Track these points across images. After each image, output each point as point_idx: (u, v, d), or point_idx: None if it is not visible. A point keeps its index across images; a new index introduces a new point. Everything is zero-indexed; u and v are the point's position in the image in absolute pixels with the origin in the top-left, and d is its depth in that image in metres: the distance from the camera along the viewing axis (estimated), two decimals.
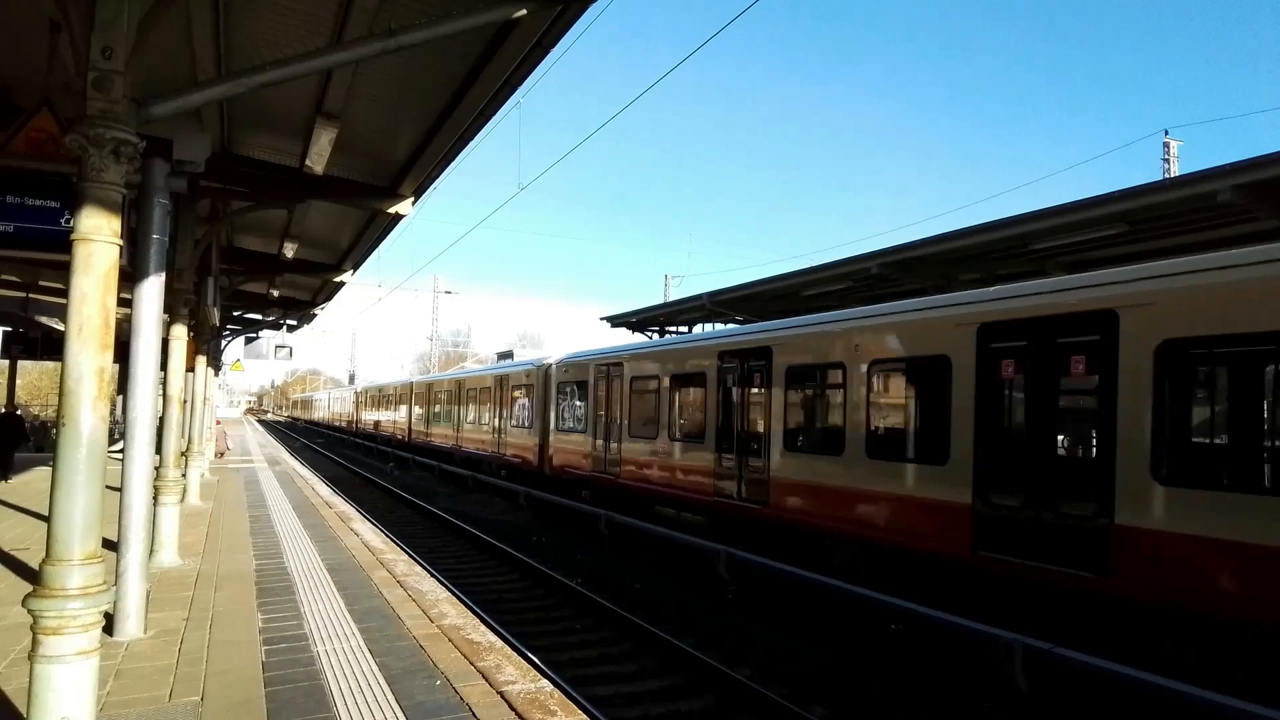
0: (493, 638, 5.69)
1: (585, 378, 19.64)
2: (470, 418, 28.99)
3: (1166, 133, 29.37)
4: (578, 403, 20.27)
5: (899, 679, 8.46)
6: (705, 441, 14.38)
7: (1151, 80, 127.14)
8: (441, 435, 32.56)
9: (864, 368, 11.25)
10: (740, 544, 12.22)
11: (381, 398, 45.86)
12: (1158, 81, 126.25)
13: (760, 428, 13.10)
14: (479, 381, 28.74)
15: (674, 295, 42.15)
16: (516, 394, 24.50)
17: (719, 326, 24.35)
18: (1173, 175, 26.79)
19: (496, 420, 25.87)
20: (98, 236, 3.80)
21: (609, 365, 18.66)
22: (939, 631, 9.18)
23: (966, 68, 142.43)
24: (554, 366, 21.93)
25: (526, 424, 23.32)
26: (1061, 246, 14.38)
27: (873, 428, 11.13)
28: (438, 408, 33.44)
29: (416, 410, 36.85)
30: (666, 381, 16.17)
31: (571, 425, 20.54)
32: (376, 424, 46.25)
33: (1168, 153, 29.02)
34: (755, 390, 13.38)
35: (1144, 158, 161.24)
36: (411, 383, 39.52)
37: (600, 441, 18.46)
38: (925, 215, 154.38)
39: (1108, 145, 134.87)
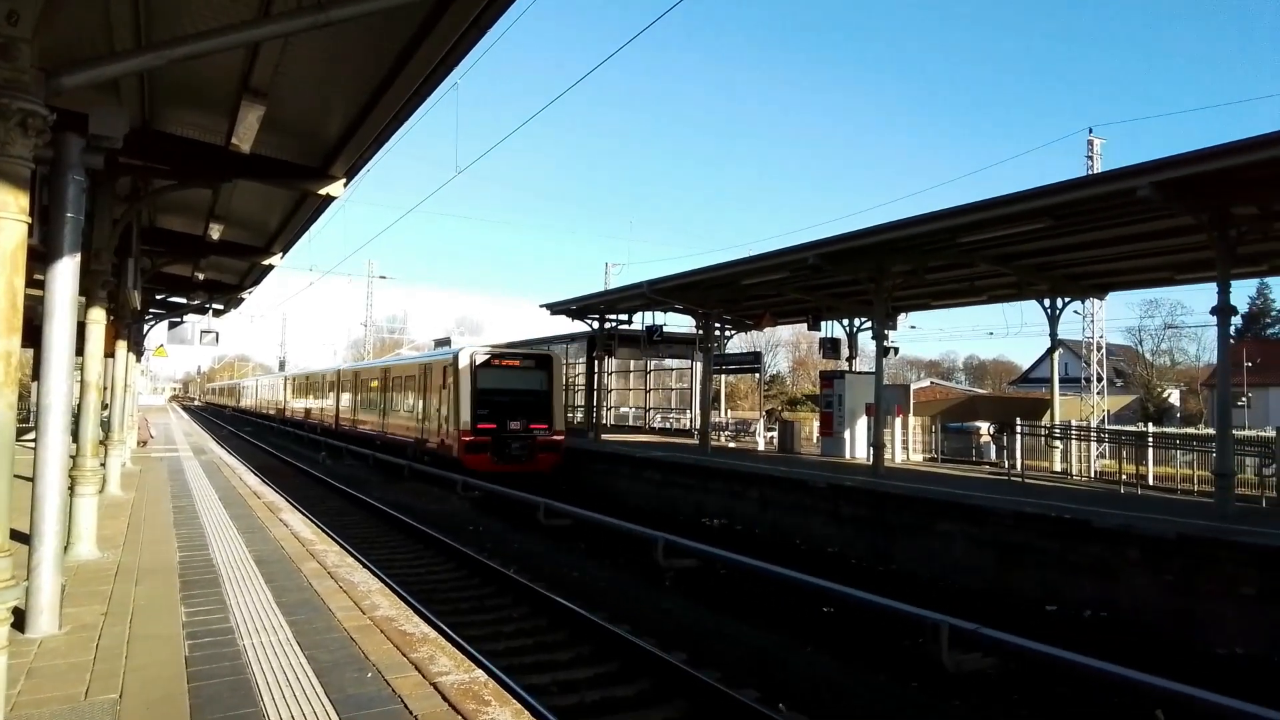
0: (426, 629, 5.60)
1: (330, 381, 41.07)
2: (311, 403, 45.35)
3: (1090, 130, 30.40)
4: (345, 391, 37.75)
5: (830, 661, 8.64)
6: (374, 412, 32.01)
7: (1078, 78, 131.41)
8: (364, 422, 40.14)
9: (392, 382, 29.89)
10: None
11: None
12: (1084, 79, 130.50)
13: (383, 404, 30.90)
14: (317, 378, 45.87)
15: (614, 283, 42.22)
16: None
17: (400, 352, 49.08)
18: (1095, 172, 27.77)
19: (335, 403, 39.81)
20: (3, 213, 3.60)
21: (324, 373, 43.29)
22: (868, 614, 9.42)
23: (899, 63, 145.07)
24: (340, 371, 40.58)
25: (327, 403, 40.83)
26: (990, 239, 14.79)
27: (394, 405, 29.44)
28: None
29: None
30: (353, 384, 36.00)
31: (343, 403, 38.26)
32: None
33: (1091, 149, 30.03)
34: (374, 391, 32.40)
35: (1070, 154, 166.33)
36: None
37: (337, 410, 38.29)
38: (860, 208, 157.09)
39: (1034, 142, 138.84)
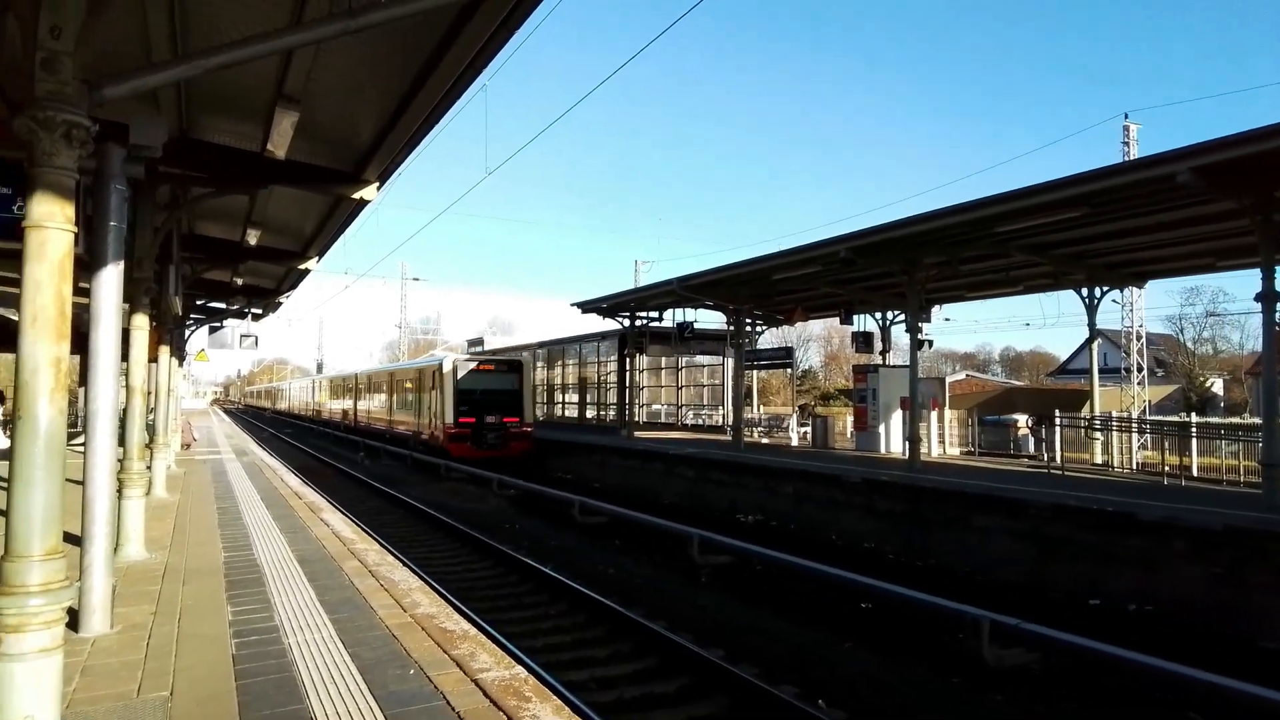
0: (466, 626, 5.66)
1: (350, 383, 46.66)
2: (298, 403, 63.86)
3: (1126, 116, 29.84)
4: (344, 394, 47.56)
5: (869, 657, 8.58)
6: (383, 410, 37.24)
7: (1112, 64, 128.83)
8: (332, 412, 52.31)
9: (395, 384, 35.86)
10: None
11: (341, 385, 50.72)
12: (1118, 65, 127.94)
13: (390, 403, 36.41)
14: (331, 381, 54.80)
15: (644, 280, 42.22)
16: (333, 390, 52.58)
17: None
18: (1132, 158, 27.22)
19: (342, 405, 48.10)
20: (50, 223, 3.68)
21: (345, 377, 49.05)
22: (907, 609, 9.33)
23: (930, 55, 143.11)
24: (357, 375, 46.04)
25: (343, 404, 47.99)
26: (1024, 229, 14.58)
27: (397, 404, 35.04)
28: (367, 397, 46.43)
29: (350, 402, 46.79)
30: (366, 386, 42.15)
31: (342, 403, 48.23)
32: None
33: (1127, 136, 29.46)
34: (383, 392, 38.20)
35: (1105, 141, 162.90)
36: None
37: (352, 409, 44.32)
38: (891, 199, 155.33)
39: (1069, 129, 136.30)
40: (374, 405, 39.83)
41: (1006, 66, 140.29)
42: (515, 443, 27.84)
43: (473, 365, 28.82)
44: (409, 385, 33.39)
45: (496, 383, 28.51)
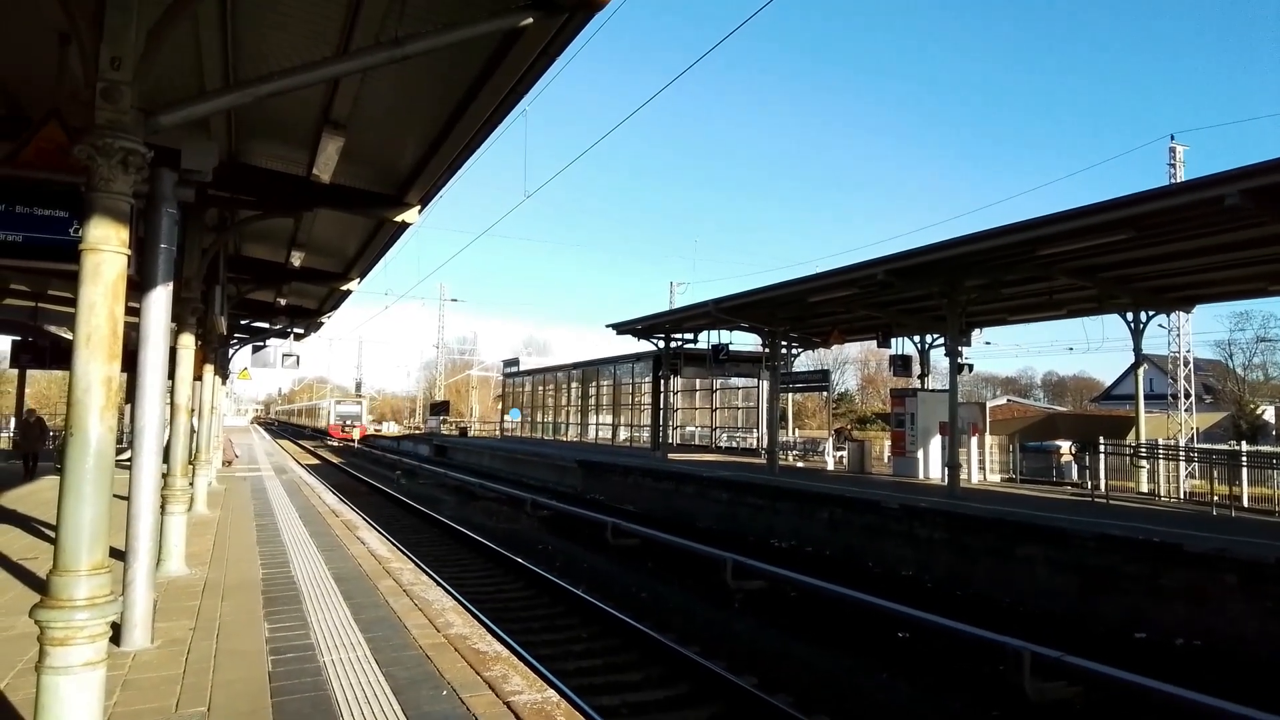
0: (499, 647, 5.66)
1: (315, 406, 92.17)
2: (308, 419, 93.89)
3: (1173, 137, 29.30)
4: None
5: (906, 688, 8.41)
6: (319, 419, 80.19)
7: (1157, 85, 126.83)
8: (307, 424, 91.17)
9: (322, 409, 79.60)
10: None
11: (307, 408, 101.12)
12: (1164, 86, 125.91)
13: (319, 417, 80.00)
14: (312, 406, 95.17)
15: (679, 302, 42.27)
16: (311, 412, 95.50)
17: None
18: (1179, 180, 26.72)
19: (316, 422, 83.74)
20: (106, 246, 3.79)
21: (314, 404, 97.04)
22: (946, 639, 9.15)
23: (971, 73, 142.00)
24: (316, 404, 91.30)
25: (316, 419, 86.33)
26: (1068, 252, 14.36)
27: (319, 418, 79.68)
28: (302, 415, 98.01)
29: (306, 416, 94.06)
30: (319, 409, 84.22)
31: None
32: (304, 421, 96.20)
33: (1174, 158, 28.93)
34: (319, 412, 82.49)
35: (1150, 163, 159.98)
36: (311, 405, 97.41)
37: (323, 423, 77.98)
38: (931, 221, 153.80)
39: (1114, 150, 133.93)
40: (315, 418, 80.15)
41: (1049, 89, 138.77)
42: (358, 431, 64.73)
43: (341, 401, 71.45)
44: (323, 410, 73.73)
45: (352, 409, 68.82)
